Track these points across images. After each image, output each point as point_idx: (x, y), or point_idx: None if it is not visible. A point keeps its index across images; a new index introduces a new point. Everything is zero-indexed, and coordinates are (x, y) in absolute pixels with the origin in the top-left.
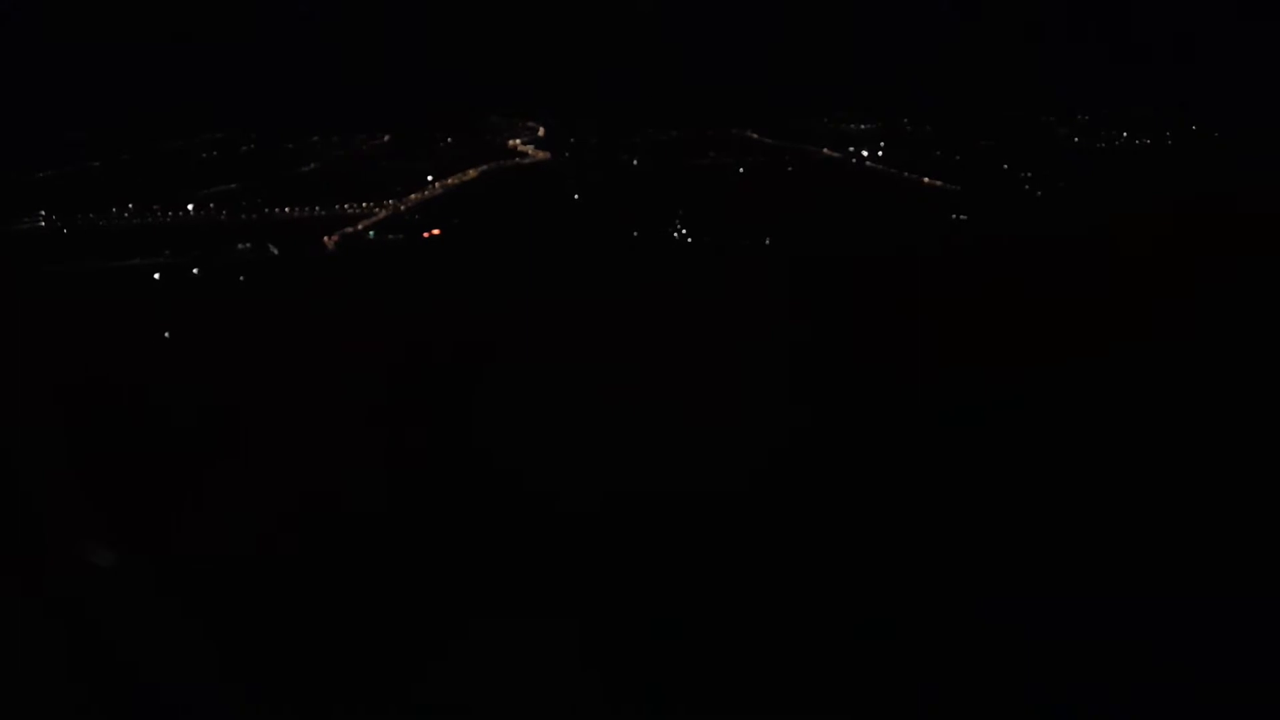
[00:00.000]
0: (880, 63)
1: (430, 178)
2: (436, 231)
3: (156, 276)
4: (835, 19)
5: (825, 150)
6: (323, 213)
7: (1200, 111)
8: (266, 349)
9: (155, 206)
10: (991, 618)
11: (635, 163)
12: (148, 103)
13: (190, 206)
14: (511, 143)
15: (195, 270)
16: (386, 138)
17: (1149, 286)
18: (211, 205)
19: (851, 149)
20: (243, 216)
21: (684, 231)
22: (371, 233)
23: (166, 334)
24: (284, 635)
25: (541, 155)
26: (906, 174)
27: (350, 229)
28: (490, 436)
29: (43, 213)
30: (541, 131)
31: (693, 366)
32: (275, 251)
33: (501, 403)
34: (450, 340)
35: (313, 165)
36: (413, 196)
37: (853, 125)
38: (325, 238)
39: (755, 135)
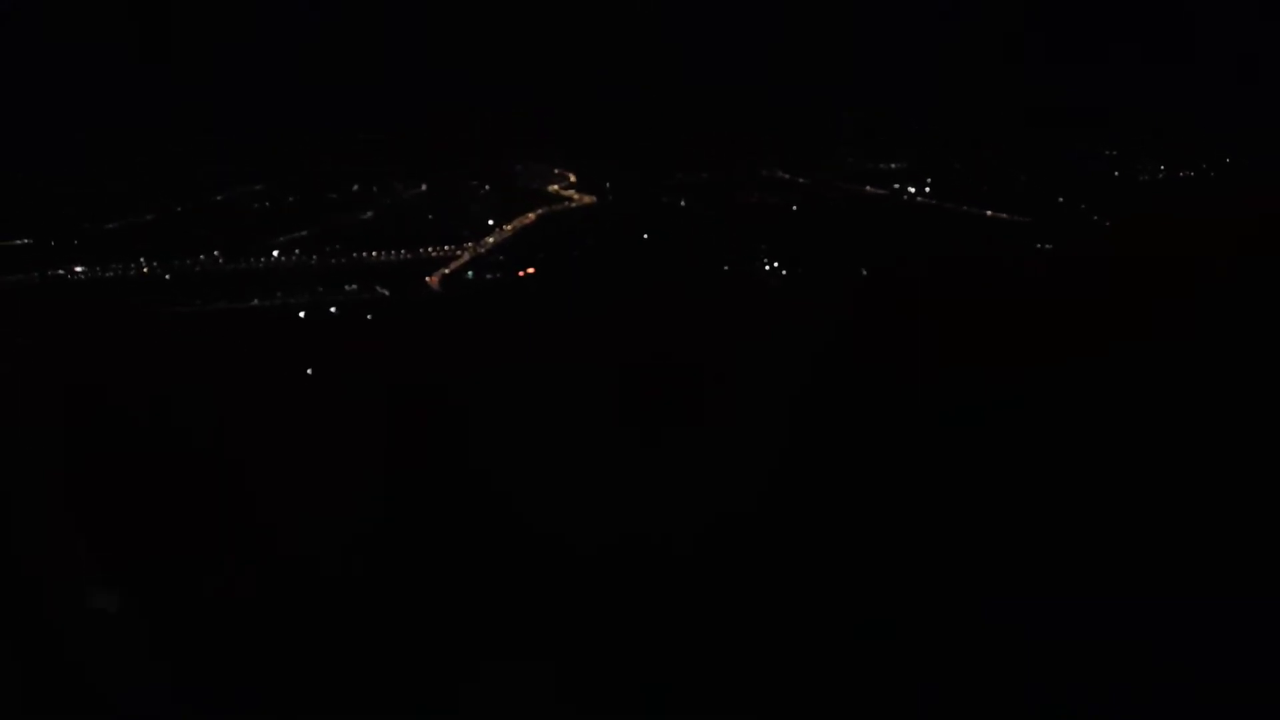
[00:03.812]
0: (885, 98)
1: (490, 222)
2: (531, 270)
3: (301, 315)
4: (835, 51)
5: (867, 188)
6: (408, 256)
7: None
8: (411, 381)
9: (242, 252)
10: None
11: (682, 204)
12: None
13: (275, 252)
14: (552, 187)
15: (333, 309)
16: (424, 186)
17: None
18: (297, 251)
19: (896, 186)
20: (331, 261)
21: (775, 265)
22: (469, 273)
23: (309, 370)
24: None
25: (588, 199)
26: (966, 208)
27: (444, 270)
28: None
29: (141, 259)
30: (573, 177)
31: (823, 390)
32: (386, 293)
33: (646, 427)
34: (586, 369)
35: (369, 213)
36: (487, 239)
37: (882, 164)
38: (427, 278)
39: (785, 175)
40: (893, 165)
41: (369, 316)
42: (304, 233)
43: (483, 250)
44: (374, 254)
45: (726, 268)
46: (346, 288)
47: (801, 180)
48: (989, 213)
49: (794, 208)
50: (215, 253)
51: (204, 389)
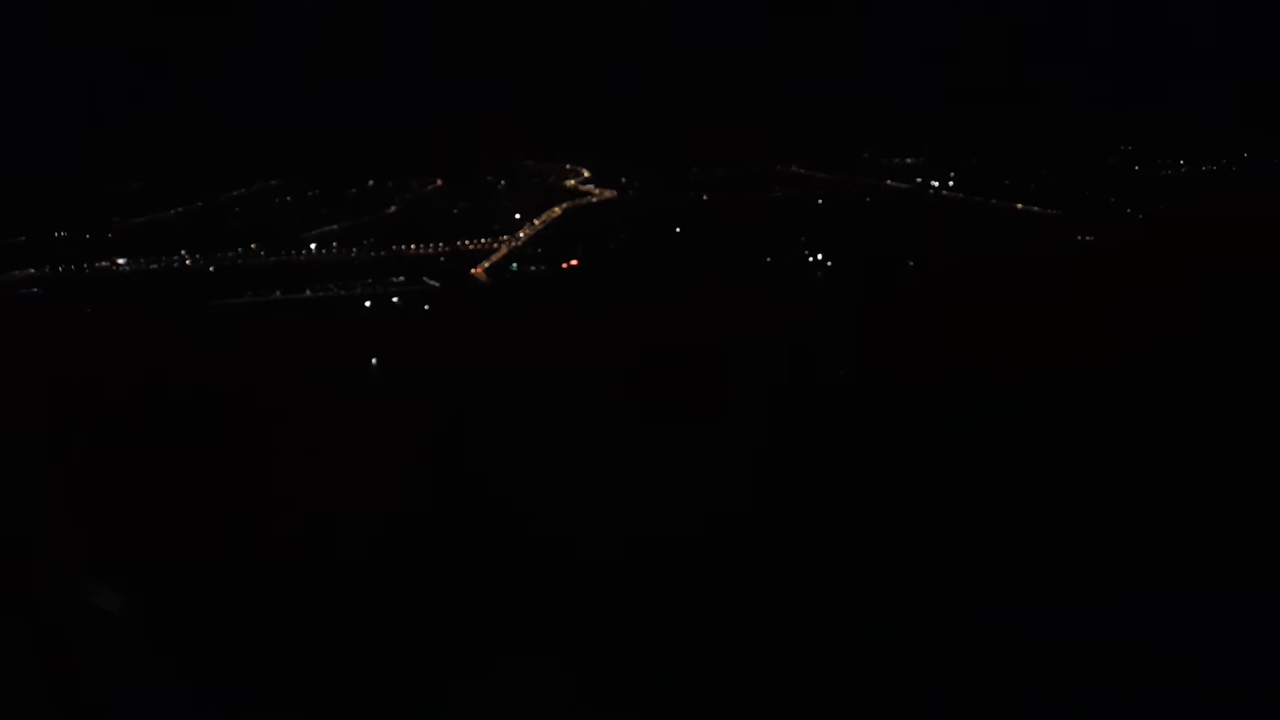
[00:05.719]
0: (888, 96)
1: (517, 216)
2: (575, 262)
3: (368, 305)
4: (835, 50)
5: (889, 181)
6: (445, 249)
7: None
8: (474, 365)
9: (280, 245)
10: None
11: (704, 198)
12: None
13: (313, 245)
14: (569, 183)
15: (395, 299)
16: (439, 181)
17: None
18: (335, 244)
19: (919, 180)
20: (371, 254)
21: (819, 256)
22: (514, 265)
23: (374, 360)
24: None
25: (608, 193)
26: (994, 201)
27: (486, 263)
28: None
29: (183, 252)
30: (587, 173)
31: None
32: (435, 284)
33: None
34: (636, 357)
35: (392, 208)
36: (519, 233)
37: (897, 159)
38: (473, 270)
39: (801, 170)
40: (908, 160)
41: (426, 306)
42: (334, 227)
43: (517, 244)
44: (412, 247)
45: (769, 259)
46: (394, 279)
47: (819, 175)
48: (1019, 205)
49: (819, 201)
50: (253, 245)
51: (252, 379)
